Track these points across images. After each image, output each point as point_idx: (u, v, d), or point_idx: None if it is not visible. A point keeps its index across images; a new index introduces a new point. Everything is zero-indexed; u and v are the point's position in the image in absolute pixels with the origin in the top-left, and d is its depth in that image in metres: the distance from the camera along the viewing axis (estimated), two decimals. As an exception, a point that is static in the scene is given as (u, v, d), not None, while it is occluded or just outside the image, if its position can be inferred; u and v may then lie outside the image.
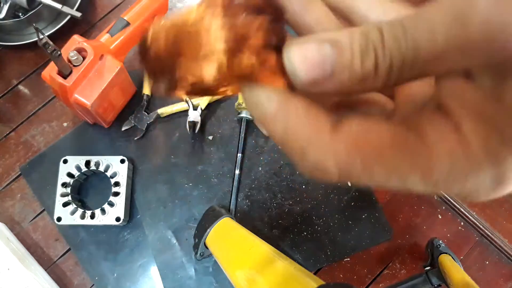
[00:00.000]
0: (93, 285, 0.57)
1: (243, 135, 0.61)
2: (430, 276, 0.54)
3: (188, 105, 0.61)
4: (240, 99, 0.60)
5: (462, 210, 0.60)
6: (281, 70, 0.12)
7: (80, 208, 0.56)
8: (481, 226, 0.60)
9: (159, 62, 0.13)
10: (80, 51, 0.51)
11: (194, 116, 0.61)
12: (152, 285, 0.57)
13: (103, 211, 0.55)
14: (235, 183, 0.60)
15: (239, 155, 0.60)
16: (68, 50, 0.50)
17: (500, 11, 0.09)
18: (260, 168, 0.61)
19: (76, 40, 0.51)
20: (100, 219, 0.55)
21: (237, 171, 0.61)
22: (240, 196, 0.60)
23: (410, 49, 0.10)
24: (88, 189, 0.60)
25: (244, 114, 0.60)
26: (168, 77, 0.13)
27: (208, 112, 0.64)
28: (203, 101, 0.62)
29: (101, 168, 0.57)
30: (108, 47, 0.54)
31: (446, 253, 0.56)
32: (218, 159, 0.61)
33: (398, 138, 0.11)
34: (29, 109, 0.64)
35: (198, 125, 0.60)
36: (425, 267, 0.56)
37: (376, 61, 0.11)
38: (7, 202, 0.60)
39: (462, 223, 0.61)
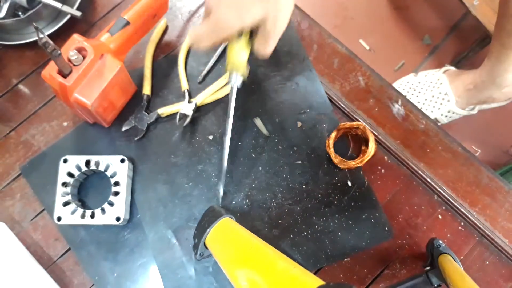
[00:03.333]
0: (93, 284, 0.57)
1: (232, 104, 0.56)
2: (430, 276, 0.54)
3: (185, 97, 0.62)
4: (226, 76, 0.62)
5: (462, 210, 0.60)
6: None
7: (80, 207, 0.56)
8: (481, 226, 0.60)
9: None
10: (80, 50, 0.51)
11: (187, 109, 0.61)
12: (152, 285, 0.57)
13: (103, 211, 0.55)
14: (225, 155, 0.57)
15: (230, 120, 0.56)
16: (68, 50, 0.50)
17: None
18: (260, 168, 0.61)
19: (76, 39, 0.51)
20: (100, 219, 0.55)
21: (227, 138, 0.57)
22: (240, 196, 0.60)
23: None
24: (88, 189, 0.60)
25: (233, 80, 0.55)
26: None
27: (208, 111, 0.64)
28: (199, 97, 0.62)
29: (101, 168, 0.57)
30: (108, 47, 0.54)
31: (446, 253, 0.56)
32: (218, 159, 0.61)
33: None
34: (29, 108, 0.64)
35: (188, 119, 0.60)
36: (425, 267, 0.56)
37: None
38: (7, 202, 0.60)
39: (462, 223, 0.61)
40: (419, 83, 1.16)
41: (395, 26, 1.33)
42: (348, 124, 0.60)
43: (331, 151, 0.59)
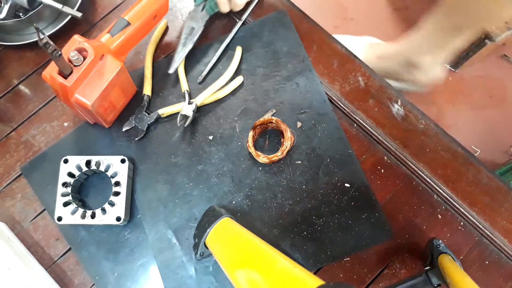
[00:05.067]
0: (93, 284, 0.57)
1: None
2: (430, 276, 0.54)
3: (185, 98, 0.62)
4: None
5: (462, 210, 0.60)
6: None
7: (81, 207, 0.56)
8: (481, 226, 0.60)
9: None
10: (81, 51, 0.51)
11: (187, 110, 0.61)
12: (152, 285, 0.57)
13: (103, 211, 0.56)
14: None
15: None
16: (69, 50, 0.50)
17: None
18: (260, 168, 0.61)
19: (77, 40, 0.51)
20: (101, 219, 0.55)
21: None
22: (240, 196, 0.60)
23: None
24: (89, 189, 0.60)
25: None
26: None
27: (208, 112, 0.64)
28: (199, 98, 0.62)
29: (102, 168, 0.57)
30: (109, 47, 0.55)
31: (446, 253, 0.56)
32: (218, 159, 0.62)
33: None
34: (30, 109, 0.64)
35: (189, 120, 0.61)
36: (425, 267, 0.56)
37: None
38: (7, 202, 0.60)
39: (462, 223, 0.61)
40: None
41: (394, 27, 1.33)
42: (261, 120, 0.61)
43: (252, 150, 0.60)
